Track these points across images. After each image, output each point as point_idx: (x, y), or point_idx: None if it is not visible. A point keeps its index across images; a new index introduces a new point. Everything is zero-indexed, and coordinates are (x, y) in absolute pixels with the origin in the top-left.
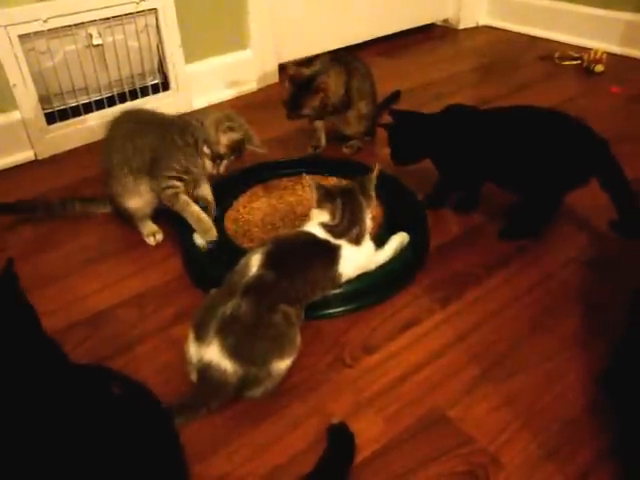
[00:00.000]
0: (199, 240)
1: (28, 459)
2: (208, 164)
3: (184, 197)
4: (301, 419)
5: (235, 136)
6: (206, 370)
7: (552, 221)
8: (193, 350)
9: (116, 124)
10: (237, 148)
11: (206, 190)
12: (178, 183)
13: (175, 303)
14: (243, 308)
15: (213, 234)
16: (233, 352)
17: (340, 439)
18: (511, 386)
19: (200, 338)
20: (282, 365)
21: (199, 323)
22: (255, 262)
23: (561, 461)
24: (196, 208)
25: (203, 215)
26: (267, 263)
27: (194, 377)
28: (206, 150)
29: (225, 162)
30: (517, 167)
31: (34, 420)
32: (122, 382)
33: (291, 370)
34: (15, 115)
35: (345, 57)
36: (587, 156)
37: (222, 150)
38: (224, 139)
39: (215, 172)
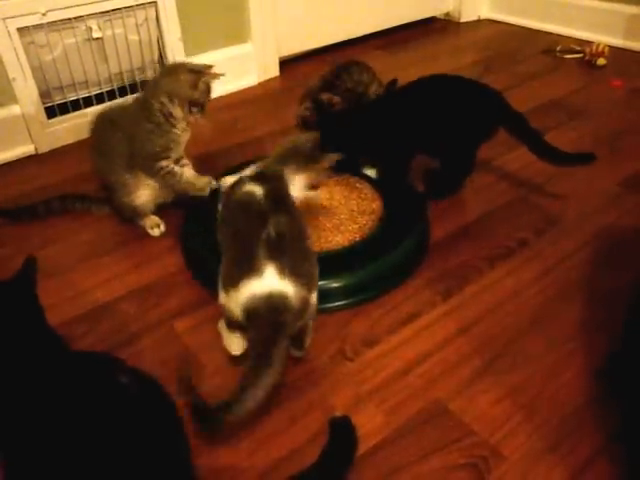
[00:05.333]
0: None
1: (33, 444)
2: (192, 118)
3: (176, 169)
4: (302, 412)
5: (204, 78)
6: (264, 304)
7: (471, 174)
8: (234, 301)
9: (92, 133)
10: (209, 86)
11: (189, 172)
12: (165, 162)
13: (176, 296)
14: (283, 221)
15: (211, 185)
16: (291, 272)
17: (342, 432)
18: (512, 379)
19: (239, 282)
20: (315, 299)
21: (230, 275)
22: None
23: (562, 453)
24: (189, 173)
25: (194, 175)
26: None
27: (236, 347)
28: (179, 111)
29: (204, 109)
30: (434, 132)
31: (40, 408)
32: (128, 371)
33: (292, 363)
34: (15, 109)
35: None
36: (489, 109)
37: (197, 95)
38: (201, 84)
39: (199, 121)
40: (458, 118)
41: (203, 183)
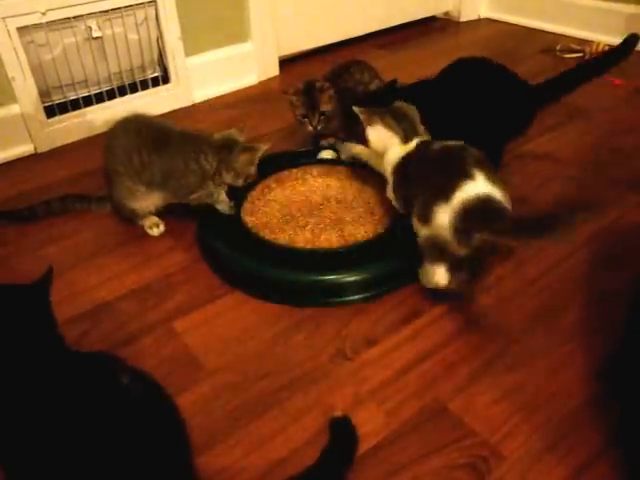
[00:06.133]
0: None
1: (34, 445)
2: (243, 183)
3: (222, 194)
4: (302, 412)
5: (258, 155)
6: (480, 206)
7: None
8: (445, 215)
9: (119, 132)
10: (260, 159)
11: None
12: (199, 191)
13: (176, 296)
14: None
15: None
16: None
17: (342, 432)
18: (512, 379)
19: (450, 195)
20: None
21: (437, 195)
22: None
23: (562, 453)
24: (223, 196)
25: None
26: None
27: (443, 277)
28: (230, 179)
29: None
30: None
31: (42, 410)
32: (130, 372)
33: (292, 362)
34: (14, 108)
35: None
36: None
37: (252, 171)
38: (254, 162)
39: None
40: (495, 108)
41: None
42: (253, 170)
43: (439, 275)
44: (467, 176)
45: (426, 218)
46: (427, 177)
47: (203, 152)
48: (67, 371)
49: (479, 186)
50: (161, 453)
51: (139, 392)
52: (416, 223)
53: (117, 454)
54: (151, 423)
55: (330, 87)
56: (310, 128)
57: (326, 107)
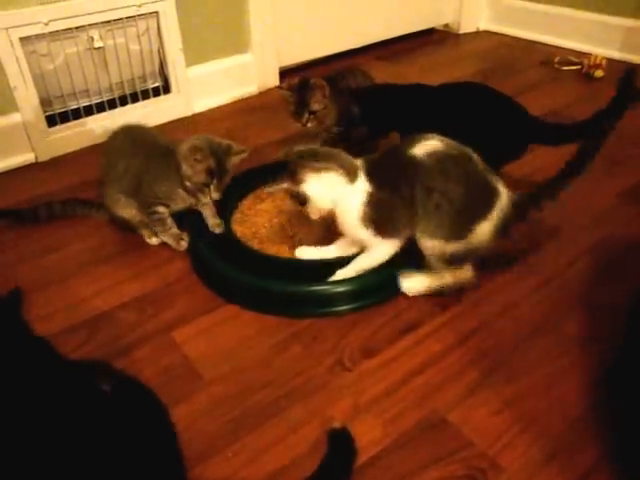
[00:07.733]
0: None
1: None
2: (189, 199)
3: (168, 221)
4: (301, 422)
5: (204, 165)
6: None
7: None
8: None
9: (114, 140)
10: (216, 171)
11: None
12: (162, 209)
13: (175, 306)
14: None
15: (183, 245)
16: None
17: (340, 443)
18: (511, 390)
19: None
20: None
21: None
22: None
23: (561, 465)
24: (174, 230)
25: (175, 231)
26: None
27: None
28: (188, 184)
29: (212, 187)
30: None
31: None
32: (115, 379)
33: (291, 373)
34: (16, 117)
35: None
36: (521, 133)
37: (202, 179)
38: (198, 169)
39: (209, 199)
40: (488, 134)
41: (179, 246)
42: (203, 178)
43: (469, 272)
44: (495, 193)
45: (458, 236)
46: (441, 191)
47: (172, 156)
48: (37, 377)
49: (504, 196)
50: (145, 463)
51: (120, 399)
52: (436, 243)
53: (92, 464)
54: (132, 431)
55: (324, 85)
56: (300, 125)
57: (317, 106)
